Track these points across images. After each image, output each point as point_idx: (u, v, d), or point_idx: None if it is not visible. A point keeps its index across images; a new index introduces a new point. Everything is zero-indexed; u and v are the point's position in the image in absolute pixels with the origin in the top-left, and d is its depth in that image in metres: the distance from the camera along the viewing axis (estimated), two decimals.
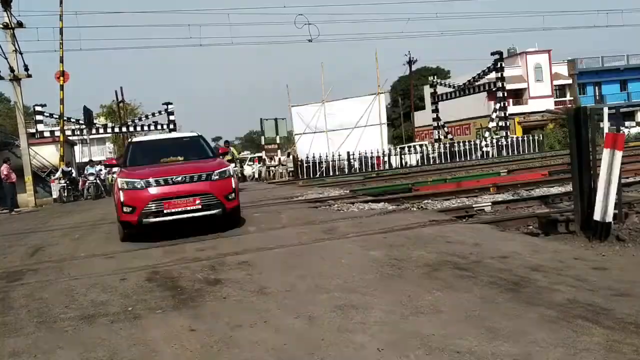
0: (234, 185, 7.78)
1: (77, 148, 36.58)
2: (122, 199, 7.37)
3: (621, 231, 5.78)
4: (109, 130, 36.32)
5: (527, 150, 31.99)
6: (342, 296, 4.13)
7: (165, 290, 4.85)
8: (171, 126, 32.02)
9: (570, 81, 47.68)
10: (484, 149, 31.75)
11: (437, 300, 3.85)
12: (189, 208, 7.30)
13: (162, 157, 8.39)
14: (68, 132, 29.91)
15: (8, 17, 21.42)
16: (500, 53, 34.47)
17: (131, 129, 33.43)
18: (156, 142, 9.48)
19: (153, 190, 7.30)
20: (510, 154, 31.16)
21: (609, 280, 4.08)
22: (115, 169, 11.25)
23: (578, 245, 5.72)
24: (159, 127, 32.69)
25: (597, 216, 5.68)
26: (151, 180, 7.34)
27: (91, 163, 23.83)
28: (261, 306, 4.08)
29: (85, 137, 33.05)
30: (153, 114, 33.59)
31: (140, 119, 35.18)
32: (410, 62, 50.65)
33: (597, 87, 49.89)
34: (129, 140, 9.19)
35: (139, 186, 7.34)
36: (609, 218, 5.63)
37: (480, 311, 3.56)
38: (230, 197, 7.65)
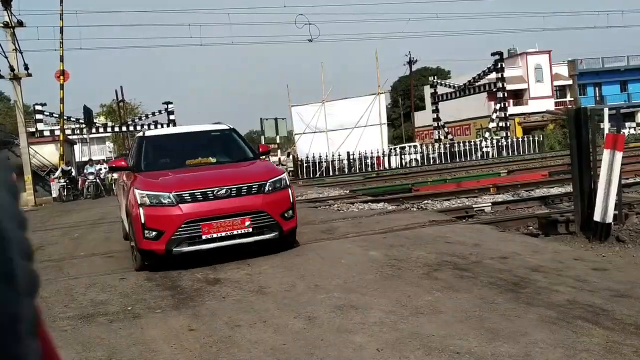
0: (292, 199, 5.90)
1: (76, 147, 36.58)
2: (142, 219, 5.42)
3: (621, 232, 5.77)
4: (108, 129, 36.33)
5: (527, 150, 31.96)
6: (341, 296, 4.12)
7: (165, 289, 4.85)
8: (171, 125, 32.02)
9: (570, 82, 47.68)
10: (484, 149, 31.74)
11: (437, 301, 3.85)
12: (235, 232, 5.49)
13: (188, 158, 6.52)
14: (68, 131, 29.92)
15: (8, 16, 21.42)
16: (501, 53, 34.45)
17: (131, 128, 33.41)
18: (177, 138, 7.18)
19: (187, 208, 5.44)
20: (510, 154, 31.15)
21: (609, 281, 4.08)
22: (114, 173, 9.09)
23: (578, 246, 5.72)
24: (159, 126, 32.68)
25: (597, 217, 5.68)
26: (184, 193, 5.47)
27: (91, 162, 23.85)
28: (260, 306, 4.08)
29: (85, 136, 33.06)
30: (153, 114, 33.59)
31: (140, 118, 35.19)
32: (410, 62, 50.66)
33: (597, 88, 49.88)
34: (140, 133, 7.24)
35: (166, 201, 5.45)
36: (609, 219, 5.62)
37: (479, 312, 3.56)
38: (287, 215, 5.79)
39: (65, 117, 27.02)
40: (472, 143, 32.38)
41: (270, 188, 5.73)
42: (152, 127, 32.59)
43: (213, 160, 6.58)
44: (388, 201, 10.56)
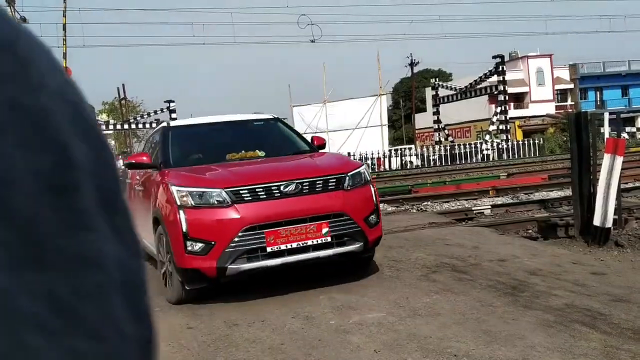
0: (375, 199, 4.60)
1: None
2: (183, 225, 4.09)
3: (620, 237, 5.78)
4: (110, 127, 36.40)
5: (528, 154, 32.01)
6: (340, 297, 4.13)
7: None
8: None
9: (572, 86, 47.65)
10: (485, 152, 31.79)
11: (435, 303, 3.85)
12: (309, 242, 4.17)
13: (229, 152, 5.22)
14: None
15: (12, 12, 21.47)
16: (502, 56, 34.45)
17: (133, 126, 33.48)
18: (211, 128, 5.77)
19: (246, 209, 4.11)
20: (510, 157, 31.19)
21: (607, 285, 4.08)
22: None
23: (577, 250, 5.72)
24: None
25: (596, 221, 5.68)
26: (242, 189, 4.16)
27: None
28: (259, 305, 4.08)
29: None
30: (155, 112, 33.66)
31: (142, 117, 35.24)
32: (412, 64, 50.69)
33: (598, 92, 49.89)
34: (164, 124, 6.03)
35: (217, 200, 4.13)
36: (609, 223, 5.62)
37: (477, 314, 3.56)
38: (372, 220, 4.46)
39: None
40: (473, 145, 32.43)
41: (350, 183, 4.42)
42: (153, 125, 32.55)
43: (261, 154, 5.21)
44: (388, 202, 10.56)
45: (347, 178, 4.42)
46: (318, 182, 4.33)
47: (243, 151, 5.20)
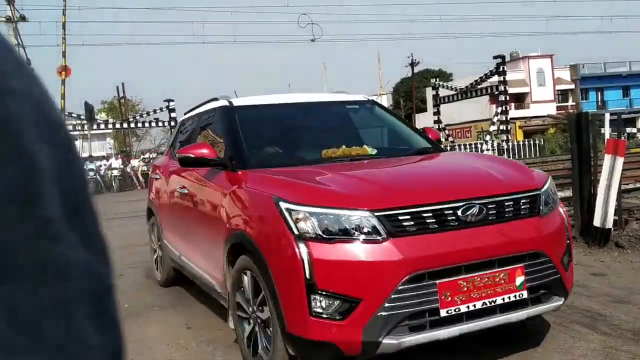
0: (568, 229, 3.14)
1: (77, 143, 36.62)
2: (306, 268, 2.43)
3: (620, 238, 5.77)
4: (109, 126, 36.42)
5: (528, 154, 32.03)
6: None
7: (162, 287, 4.85)
8: (172, 123, 31.98)
9: (572, 86, 47.70)
10: (485, 152, 31.77)
11: None
12: (499, 300, 2.61)
13: (321, 147, 3.63)
14: (69, 127, 29.94)
15: (11, 10, 21.47)
16: (503, 57, 34.43)
17: (132, 125, 33.48)
18: (289, 112, 4.12)
19: (410, 246, 2.52)
20: (511, 157, 31.19)
21: (607, 286, 4.08)
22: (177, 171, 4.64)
23: (577, 251, 5.70)
24: (160, 123, 32.71)
25: (597, 222, 5.67)
26: (400, 213, 2.56)
27: (90, 158, 23.95)
28: None
29: (86, 132, 33.10)
30: (154, 111, 33.64)
31: (141, 115, 35.24)
32: (412, 64, 50.69)
33: (599, 93, 49.89)
34: (223, 102, 3.86)
35: (361, 229, 2.52)
36: (609, 224, 5.61)
37: None
38: (566, 261, 2.94)
39: (66, 114, 27.10)
40: (473, 146, 32.43)
41: (543, 205, 2.95)
42: (153, 124, 32.53)
43: (372, 151, 3.64)
44: None
45: (542, 197, 2.94)
46: (507, 202, 2.79)
47: (344, 146, 3.61)
